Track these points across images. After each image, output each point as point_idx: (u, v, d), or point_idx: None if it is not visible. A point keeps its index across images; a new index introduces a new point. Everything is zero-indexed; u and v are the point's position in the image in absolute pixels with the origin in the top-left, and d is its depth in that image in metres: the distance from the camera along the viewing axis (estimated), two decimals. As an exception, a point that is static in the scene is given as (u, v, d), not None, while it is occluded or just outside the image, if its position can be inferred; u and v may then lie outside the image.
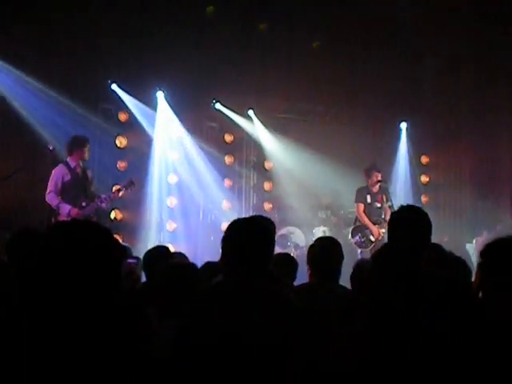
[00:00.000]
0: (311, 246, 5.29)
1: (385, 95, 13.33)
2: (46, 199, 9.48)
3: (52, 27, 10.79)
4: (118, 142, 12.51)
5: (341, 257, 5.11)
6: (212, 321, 3.12)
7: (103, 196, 9.75)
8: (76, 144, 9.67)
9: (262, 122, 13.96)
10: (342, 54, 12.67)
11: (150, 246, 6.27)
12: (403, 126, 14.45)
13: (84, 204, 9.54)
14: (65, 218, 9.19)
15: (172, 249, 11.10)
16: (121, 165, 12.50)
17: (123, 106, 12.51)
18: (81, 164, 9.78)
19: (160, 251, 5.73)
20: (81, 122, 11.35)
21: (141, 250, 6.20)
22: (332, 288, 4.91)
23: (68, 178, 9.57)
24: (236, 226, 3.35)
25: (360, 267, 5.02)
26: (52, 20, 10.69)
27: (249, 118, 13.96)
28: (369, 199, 11.63)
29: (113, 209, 12.14)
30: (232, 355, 3.00)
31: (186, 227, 12.74)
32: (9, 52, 10.44)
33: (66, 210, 9.36)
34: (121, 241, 11.26)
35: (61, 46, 10.90)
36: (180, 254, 5.96)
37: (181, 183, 13.17)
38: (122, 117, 12.60)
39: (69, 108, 11.18)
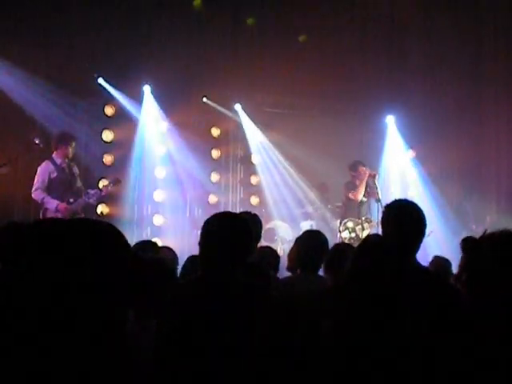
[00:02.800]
0: (298, 239, 5.32)
1: (371, 88, 13.33)
2: (33, 196, 9.43)
3: (39, 20, 10.73)
4: (104, 135, 12.47)
5: (326, 250, 5.14)
6: (188, 313, 3.14)
7: (91, 192, 9.70)
8: (61, 141, 9.63)
9: (249, 116, 13.97)
10: (329, 47, 12.65)
11: (137, 240, 6.23)
12: (390, 119, 14.46)
13: (72, 200, 9.50)
14: (53, 214, 9.19)
15: (159, 243, 11.16)
16: (107, 159, 12.46)
17: (110, 100, 12.48)
18: (66, 160, 9.73)
19: (146, 246, 5.71)
20: (67, 116, 11.29)
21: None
22: (316, 280, 4.94)
23: (54, 174, 9.53)
24: (213, 221, 3.40)
25: (337, 254, 4.99)
26: (39, 13, 10.63)
27: (236, 112, 13.96)
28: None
29: (99, 203, 12.10)
30: (209, 346, 3.03)
31: (173, 221, 12.73)
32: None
33: (53, 206, 9.33)
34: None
35: (48, 38, 10.84)
36: (167, 249, 5.96)
37: (168, 177, 13.15)
38: (109, 111, 12.57)
39: (56, 101, 11.11)
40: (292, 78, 12.65)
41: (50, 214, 9.27)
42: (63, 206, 9.36)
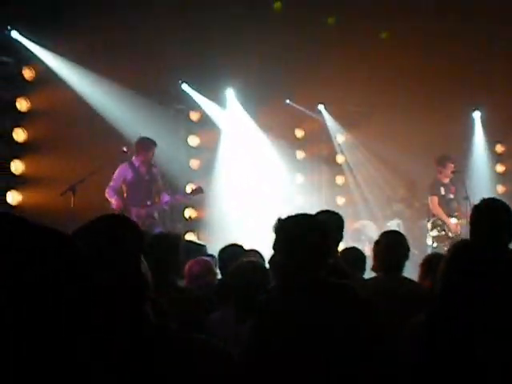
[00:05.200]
0: (377, 241, 5.28)
1: (457, 83, 13.04)
2: (105, 194, 9.74)
3: (122, 28, 10.94)
4: (190, 141, 12.68)
5: (407, 250, 5.09)
6: (280, 317, 3.16)
7: (167, 198, 9.90)
8: (141, 146, 9.88)
9: (332, 116, 13.95)
10: (412, 42, 12.45)
11: (225, 243, 6.31)
12: (476, 114, 14.17)
13: (149, 203, 9.76)
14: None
15: (247, 246, 11.25)
16: (194, 163, 12.66)
17: (194, 106, 12.69)
18: (147, 163, 9.97)
19: (234, 249, 5.79)
20: (154, 123, 11.51)
21: (216, 248, 6.28)
22: (398, 280, 4.90)
23: (130, 176, 9.85)
24: (286, 222, 3.35)
25: (432, 261, 4.95)
26: (121, 21, 10.83)
27: (319, 112, 13.96)
28: (442, 191, 11.42)
29: (186, 207, 12.32)
30: (302, 349, 3.04)
31: (260, 224, 12.79)
32: (83, 55, 10.66)
33: (120, 207, 9.61)
34: (196, 239, 11.45)
35: (133, 47, 11.05)
36: (255, 252, 6.01)
37: (253, 180, 13.24)
38: (194, 116, 12.77)
39: (142, 110, 11.34)
40: (375, 75, 12.52)
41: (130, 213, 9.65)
42: (127, 207, 9.63)
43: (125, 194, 9.86)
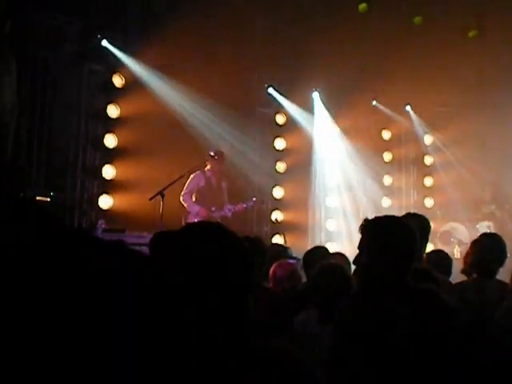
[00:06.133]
0: (474, 242, 5.16)
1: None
2: (181, 199, 9.95)
3: (208, 35, 11.08)
4: (276, 144, 12.74)
5: (504, 256, 4.96)
6: (362, 320, 3.15)
7: (229, 207, 10.14)
8: (212, 156, 10.07)
9: (420, 117, 13.76)
10: (500, 40, 12.12)
11: (311, 246, 6.34)
12: None
13: (213, 209, 10.00)
14: (194, 218, 9.82)
15: (333, 248, 11.25)
16: (280, 166, 12.72)
17: (280, 109, 12.75)
18: (217, 174, 10.20)
19: (319, 252, 5.78)
20: (239, 128, 11.63)
21: (303, 250, 6.30)
22: (493, 286, 4.77)
23: (202, 184, 10.18)
24: (372, 223, 3.34)
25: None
26: (208, 28, 10.97)
27: (406, 113, 13.80)
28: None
29: (273, 210, 12.39)
30: (382, 355, 3.02)
31: (347, 226, 12.75)
32: (170, 62, 10.85)
33: (195, 210, 9.98)
34: (283, 241, 11.50)
35: (219, 53, 11.18)
36: (340, 255, 5.99)
37: (340, 182, 13.21)
38: (280, 119, 12.83)
39: (228, 114, 11.45)
40: (461, 74, 12.27)
41: (191, 218, 9.94)
42: (204, 211, 9.95)
43: (195, 200, 10.10)
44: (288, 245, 9.25)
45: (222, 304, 2.02)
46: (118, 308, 1.10)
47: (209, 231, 2.14)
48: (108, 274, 1.12)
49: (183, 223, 9.96)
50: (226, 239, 2.10)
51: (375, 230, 3.30)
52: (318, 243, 10.90)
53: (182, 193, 9.99)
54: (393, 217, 3.49)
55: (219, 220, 9.95)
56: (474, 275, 4.93)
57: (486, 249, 4.96)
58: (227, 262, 2.05)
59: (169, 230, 2.24)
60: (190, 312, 1.52)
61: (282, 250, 6.87)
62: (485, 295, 4.57)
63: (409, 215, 4.89)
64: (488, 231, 10.15)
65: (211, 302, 2.01)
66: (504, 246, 5.07)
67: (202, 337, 1.95)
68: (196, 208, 10.00)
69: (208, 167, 10.18)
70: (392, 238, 3.22)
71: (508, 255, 5.18)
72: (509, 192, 12.71)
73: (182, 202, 10.00)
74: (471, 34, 12.62)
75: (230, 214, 10.17)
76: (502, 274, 5.00)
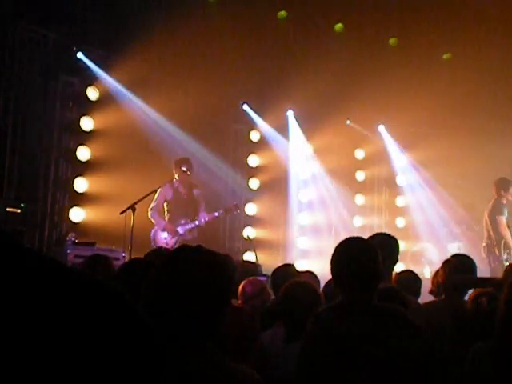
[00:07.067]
0: (445, 262, 5.19)
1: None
2: (148, 215, 9.89)
3: (183, 51, 11.07)
4: (250, 161, 12.76)
5: (474, 276, 5.00)
6: (328, 338, 3.17)
7: (202, 218, 10.00)
8: (178, 165, 10.01)
9: (393, 137, 13.87)
10: (473, 65, 12.27)
11: (282, 263, 6.33)
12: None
13: (183, 222, 9.91)
14: (160, 233, 9.87)
15: (304, 266, 11.24)
16: (253, 183, 12.73)
17: (254, 126, 12.78)
18: (185, 183, 10.11)
19: (287, 269, 5.79)
20: (213, 144, 11.63)
21: (275, 267, 6.31)
22: (461, 306, 4.80)
23: (170, 196, 10.06)
24: (341, 246, 3.46)
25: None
26: (183, 45, 10.97)
27: (379, 133, 13.91)
28: (506, 213, 11.19)
29: (245, 226, 12.39)
30: (348, 371, 3.04)
31: (318, 244, 12.78)
32: (144, 76, 10.82)
33: (162, 225, 9.93)
34: (254, 258, 11.49)
35: (194, 69, 11.18)
36: (309, 273, 5.99)
37: (312, 200, 13.26)
38: (254, 136, 12.86)
39: (202, 129, 11.44)
40: (435, 97, 12.38)
41: (158, 233, 9.92)
42: (170, 226, 9.89)
43: (166, 213, 10.04)
44: (260, 262, 9.24)
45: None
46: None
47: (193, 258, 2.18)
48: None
49: (152, 238, 9.93)
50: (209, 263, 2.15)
51: (340, 253, 3.43)
52: (289, 261, 10.90)
53: (149, 208, 9.92)
54: (357, 238, 3.60)
55: (187, 234, 9.93)
56: (443, 296, 4.96)
57: (456, 269, 4.99)
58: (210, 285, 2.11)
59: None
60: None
61: (252, 267, 6.86)
62: (451, 316, 4.59)
63: (377, 235, 4.93)
64: (458, 252, 10.20)
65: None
66: (474, 267, 5.10)
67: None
68: (163, 223, 9.95)
69: (176, 177, 10.11)
70: (355, 258, 3.31)
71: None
72: (479, 213, 12.82)
73: (150, 218, 9.94)
74: (445, 56, 12.80)
75: (200, 224, 10.08)
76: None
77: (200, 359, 2.09)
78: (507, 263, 10.70)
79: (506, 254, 10.96)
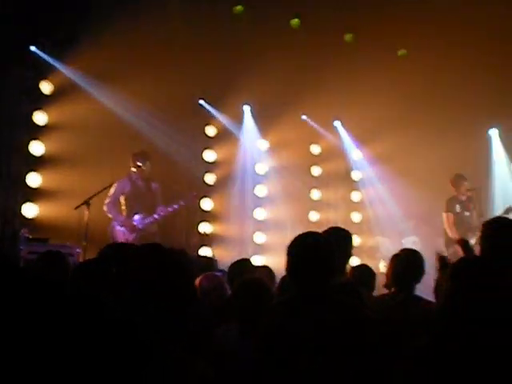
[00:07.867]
0: (393, 256, 5.25)
1: (474, 101, 12.95)
2: (104, 209, 9.82)
3: (141, 44, 10.97)
4: (205, 155, 12.71)
5: (420, 272, 5.05)
6: (283, 333, 3.19)
7: (161, 211, 9.96)
8: (136, 159, 9.97)
9: (348, 133, 13.95)
10: (430, 60, 12.40)
11: (239, 258, 6.33)
12: (493, 132, 14.10)
13: (141, 215, 9.90)
14: (118, 228, 9.79)
15: (260, 261, 11.26)
16: (209, 178, 12.68)
17: (211, 121, 12.73)
18: (143, 177, 10.04)
19: (243, 264, 5.79)
20: (170, 137, 11.55)
21: (229, 263, 6.31)
22: (410, 299, 4.87)
23: (128, 189, 10.01)
24: (295, 241, 3.52)
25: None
26: (141, 37, 10.87)
27: (335, 128, 13.97)
28: (458, 209, 11.44)
29: (202, 221, 12.35)
30: (302, 365, 3.06)
31: (275, 239, 12.79)
32: (101, 70, 10.67)
33: (120, 220, 9.86)
34: (211, 254, 11.48)
35: (150, 62, 11.07)
36: (265, 268, 6.01)
37: (268, 195, 13.27)
38: (210, 131, 12.81)
39: (159, 124, 11.37)
40: (391, 92, 12.49)
41: (116, 228, 9.86)
42: (127, 221, 9.84)
43: (123, 207, 9.95)
44: (216, 257, 9.23)
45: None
46: None
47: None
48: None
49: (109, 233, 9.84)
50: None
51: (295, 248, 3.50)
52: (245, 256, 10.89)
53: (105, 202, 9.82)
54: (312, 233, 3.64)
55: (143, 228, 9.86)
56: (393, 289, 5.03)
57: (403, 264, 5.05)
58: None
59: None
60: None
61: (208, 263, 6.86)
62: (401, 310, 4.64)
63: (331, 229, 4.97)
64: (413, 246, 10.31)
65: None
66: (421, 262, 5.15)
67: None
68: (121, 218, 9.85)
69: (133, 170, 10.03)
70: (309, 253, 3.31)
71: (431, 271, 5.26)
72: (435, 208, 12.97)
73: (107, 213, 9.85)
74: (400, 53, 12.91)
75: (159, 217, 10.02)
76: (424, 291, 5.09)
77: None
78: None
79: (451, 249, 11.13)
